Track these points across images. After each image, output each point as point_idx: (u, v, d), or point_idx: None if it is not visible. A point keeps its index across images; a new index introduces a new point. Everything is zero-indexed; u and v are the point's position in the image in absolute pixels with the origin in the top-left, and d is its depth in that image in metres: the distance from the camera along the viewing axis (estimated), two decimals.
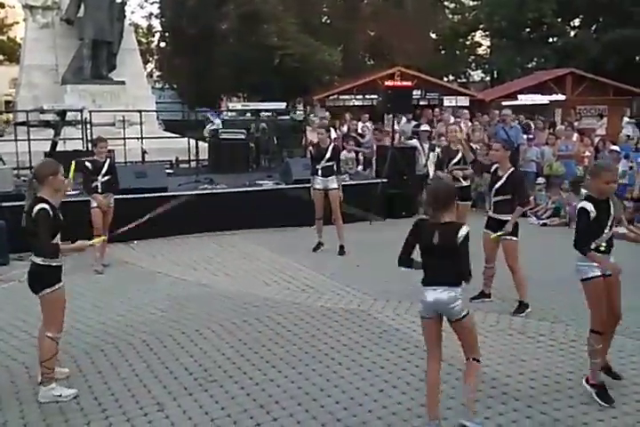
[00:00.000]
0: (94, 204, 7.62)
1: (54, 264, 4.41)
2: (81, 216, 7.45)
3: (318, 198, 8.62)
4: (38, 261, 4.37)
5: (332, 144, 8.80)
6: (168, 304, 6.52)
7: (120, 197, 8.10)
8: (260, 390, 4.57)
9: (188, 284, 7.29)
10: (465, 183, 8.02)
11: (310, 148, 8.83)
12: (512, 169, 6.28)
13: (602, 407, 4.27)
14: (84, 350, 5.29)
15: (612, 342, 4.68)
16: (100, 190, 7.66)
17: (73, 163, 4.98)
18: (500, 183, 6.23)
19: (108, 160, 7.79)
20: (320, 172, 8.54)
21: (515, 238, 6.20)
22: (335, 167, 8.58)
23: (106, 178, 7.68)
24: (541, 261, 7.70)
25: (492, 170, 6.39)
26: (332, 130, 14.44)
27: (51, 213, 4.32)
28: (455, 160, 8.11)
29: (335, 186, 8.55)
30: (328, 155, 8.50)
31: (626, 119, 17.21)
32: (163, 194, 9.54)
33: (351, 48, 33.22)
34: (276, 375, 4.81)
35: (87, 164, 7.60)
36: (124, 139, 11.98)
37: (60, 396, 4.44)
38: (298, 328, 5.82)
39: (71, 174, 4.67)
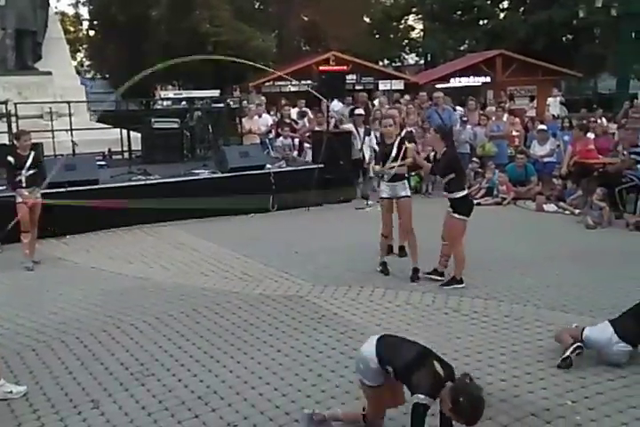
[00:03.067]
0: (19, 199, 7.38)
1: None
2: (7, 212, 7.21)
3: (387, 209, 6.87)
4: None
5: (399, 139, 6.82)
6: (102, 299, 6.38)
7: (48, 190, 7.85)
8: (197, 381, 4.53)
9: (123, 278, 7.14)
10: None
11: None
12: (444, 149, 6.46)
13: (532, 379, 4.40)
14: (15, 351, 5.12)
15: None
16: (24, 185, 7.43)
17: None
18: (441, 166, 6.47)
19: (33, 153, 7.54)
20: (386, 176, 6.79)
21: (459, 217, 6.38)
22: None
23: (30, 172, 7.44)
24: (475, 240, 7.84)
25: (432, 157, 6.67)
26: (267, 116, 14.41)
27: None
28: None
29: (405, 193, 6.76)
30: (394, 153, 6.64)
31: (550, 99, 17.60)
32: (94, 187, 9.30)
33: (286, 34, 33.04)
34: (213, 365, 4.77)
35: (9, 158, 7.35)
36: (53, 131, 11.59)
37: (11, 393, 4.34)
38: (236, 317, 5.78)
39: None
